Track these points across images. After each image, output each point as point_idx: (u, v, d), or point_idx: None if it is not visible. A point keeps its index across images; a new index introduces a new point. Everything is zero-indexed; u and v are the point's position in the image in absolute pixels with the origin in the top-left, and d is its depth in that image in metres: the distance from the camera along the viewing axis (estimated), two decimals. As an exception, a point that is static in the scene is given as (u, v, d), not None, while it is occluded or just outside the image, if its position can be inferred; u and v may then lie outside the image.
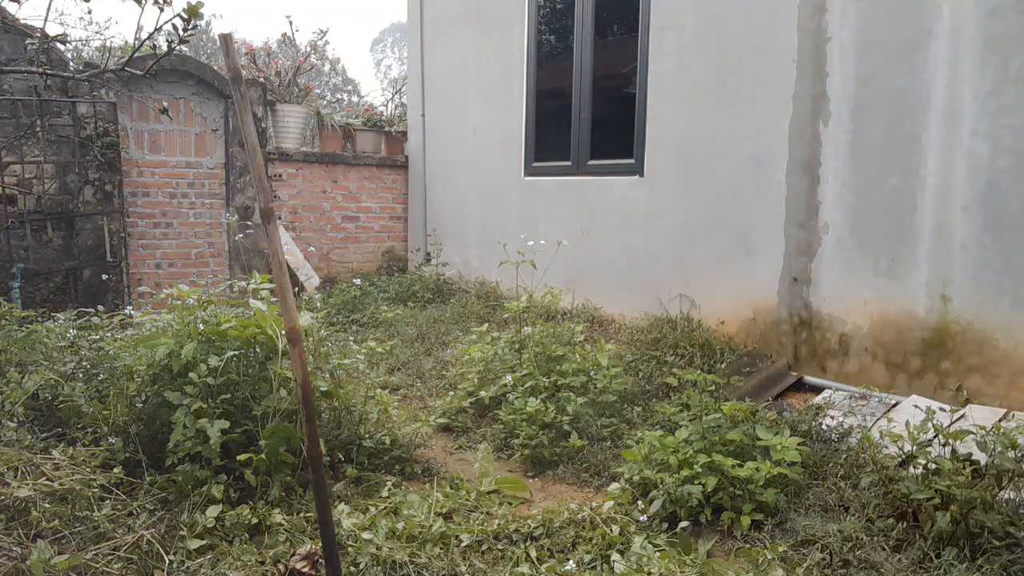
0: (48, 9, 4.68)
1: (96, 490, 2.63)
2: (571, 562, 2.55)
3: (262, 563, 2.49)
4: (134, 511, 2.65)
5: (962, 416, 3.66)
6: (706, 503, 2.90)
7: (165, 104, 6.37)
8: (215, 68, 6.88)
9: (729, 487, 2.94)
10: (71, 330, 3.77)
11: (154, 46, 3.86)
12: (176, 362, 2.96)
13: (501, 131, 6.92)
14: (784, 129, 4.66)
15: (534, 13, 6.56)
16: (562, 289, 5.51)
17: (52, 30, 5.29)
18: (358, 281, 6.65)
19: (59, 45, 5.14)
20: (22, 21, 5.49)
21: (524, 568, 2.52)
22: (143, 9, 3.42)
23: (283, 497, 2.92)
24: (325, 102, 10.44)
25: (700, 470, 2.94)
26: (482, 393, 4.27)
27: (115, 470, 2.78)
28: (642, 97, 5.57)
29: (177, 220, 6.72)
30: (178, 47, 3.54)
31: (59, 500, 2.52)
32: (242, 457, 2.87)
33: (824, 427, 3.63)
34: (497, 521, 2.82)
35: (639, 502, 2.99)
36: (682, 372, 3.95)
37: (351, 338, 5.13)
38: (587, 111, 6.09)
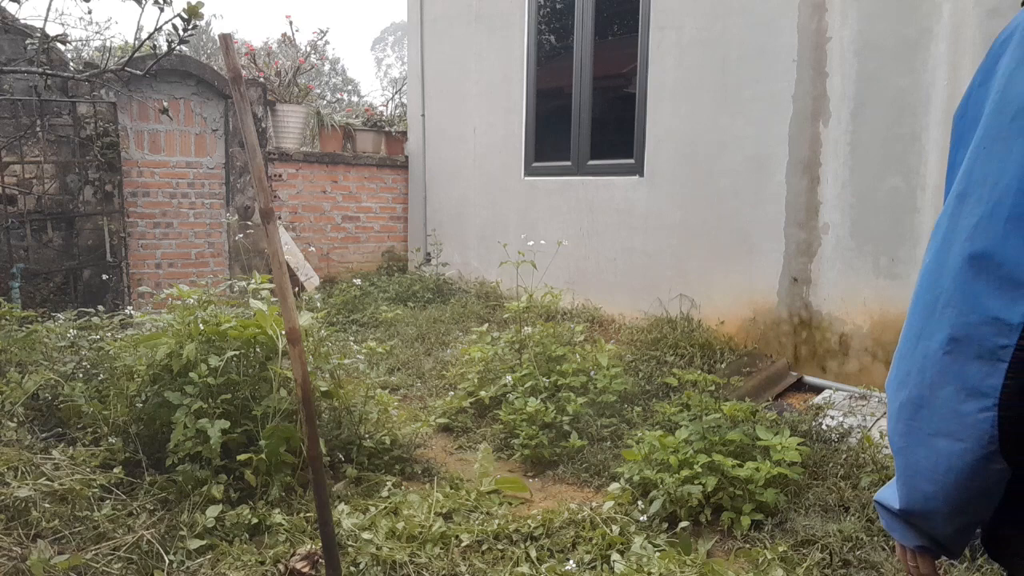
0: (48, 9, 4.68)
1: (96, 490, 2.64)
2: (571, 562, 2.55)
3: (262, 563, 2.49)
4: (134, 511, 2.65)
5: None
6: (706, 503, 2.90)
7: (165, 104, 6.36)
8: (215, 68, 6.87)
9: (729, 487, 2.94)
10: (71, 330, 3.77)
11: (154, 46, 3.86)
12: (176, 362, 2.97)
13: (501, 131, 6.92)
14: (784, 129, 4.66)
15: (534, 13, 6.56)
16: (562, 289, 5.51)
17: (52, 30, 5.30)
18: (358, 281, 6.64)
19: (59, 45, 5.13)
20: (22, 21, 5.49)
21: (524, 568, 2.52)
22: (143, 9, 3.42)
23: (283, 497, 2.92)
24: (325, 102, 10.44)
25: (700, 470, 2.94)
26: (482, 393, 4.27)
27: (115, 470, 2.78)
28: (642, 97, 5.57)
29: (177, 220, 6.72)
30: (178, 47, 3.53)
31: (59, 500, 2.52)
32: (242, 457, 2.87)
33: (824, 427, 3.63)
34: (497, 521, 2.82)
35: (639, 502, 2.99)
36: (682, 372, 3.95)
37: (351, 338, 5.13)
38: (587, 111, 6.09)
